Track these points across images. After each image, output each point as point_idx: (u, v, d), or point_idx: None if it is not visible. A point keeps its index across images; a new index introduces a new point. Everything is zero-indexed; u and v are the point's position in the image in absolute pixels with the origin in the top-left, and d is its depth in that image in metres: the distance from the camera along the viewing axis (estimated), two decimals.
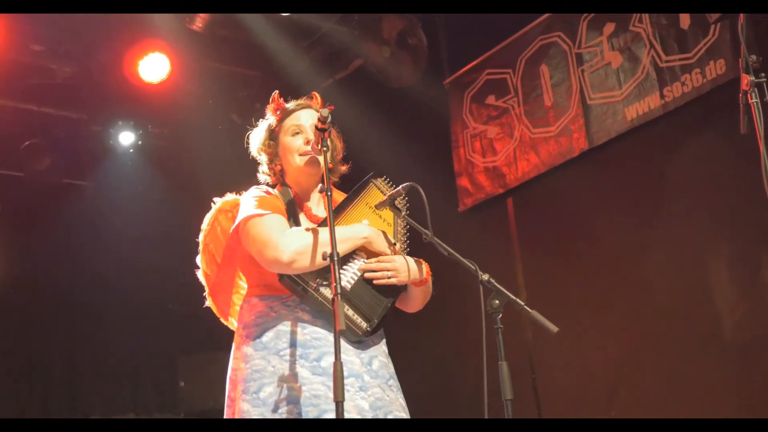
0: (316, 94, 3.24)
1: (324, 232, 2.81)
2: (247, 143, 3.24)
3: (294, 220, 3.00)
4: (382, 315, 2.99)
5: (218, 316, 3.30)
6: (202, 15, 5.92)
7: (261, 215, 2.91)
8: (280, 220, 2.93)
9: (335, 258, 2.62)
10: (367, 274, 2.97)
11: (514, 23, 5.91)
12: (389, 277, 2.98)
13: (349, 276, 2.98)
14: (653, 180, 5.10)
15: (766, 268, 4.47)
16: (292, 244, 2.82)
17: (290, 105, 3.20)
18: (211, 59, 6.88)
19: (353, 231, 2.98)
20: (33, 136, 7.06)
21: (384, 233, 3.04)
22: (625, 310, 5.18)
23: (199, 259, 3.23)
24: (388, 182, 3.14)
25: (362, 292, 2.98)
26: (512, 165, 5.87)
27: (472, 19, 6.30)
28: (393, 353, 3.09)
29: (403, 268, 3.00)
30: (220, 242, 3.21)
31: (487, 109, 6.11)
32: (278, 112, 3.18)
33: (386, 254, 3.02)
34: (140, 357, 7.56)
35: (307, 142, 3.06)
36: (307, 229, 2.91)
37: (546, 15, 5.70)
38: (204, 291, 3.24)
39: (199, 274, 3.23)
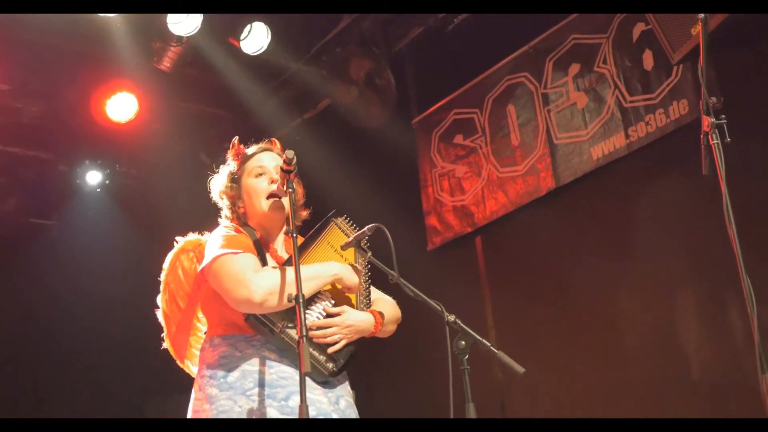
0: (276, 140, 3.26)
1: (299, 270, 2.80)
2: (209, 189, 3.24)
3: (262, 259, 2.99)
4: (347, 356, 2.99)
5: (175, 358, 3.25)
6: (170, 55, 5.92)
7: (233, 254, 2.90)
8: (252, 259, 2.92)
9: (300, 300, 2.62)
10: (315, 340, 2.94)
11: (481, 63, 5.97)
12: (338, 341, 2.97)
13: (314, 316, 2.97)
14: (619, 219, 5.14)
15: (732, 308, 4.49)
16: (264, 284, 2.81)
17: (250, 149, 3.21)
18: (180, 99, 6.88)
19: (324, 268, 2.97)
20: None
21: (353, 266, 3.04)
22: (593, 349, 5.19)
23: (159, 299, 3.19)
24: (349, 221, 3.14)
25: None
26: (480, 204, 5.90)
27: (439, 59, 6.36)
28: (359, 394, 3.07)
29: (351, 330, 2.98)
30: (181, 282, 3.17)
31: (455, 149, 6.14)
32: (238, 157, 3.18)
33: (355, 290, 3.02)
34: (107, 399, 7.44)
35: (272, 182, 3.06)
36: (278, 268, 2.90)
37: (512, 55, 5.76)
38: (162, 331, 3.21)
39: (159, 314, 3.20)
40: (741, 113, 4.03)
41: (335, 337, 2.95)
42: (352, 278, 3.01)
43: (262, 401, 2.81)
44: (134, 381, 7.38)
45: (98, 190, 7.37)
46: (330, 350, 2.95)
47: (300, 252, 2.98)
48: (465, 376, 2.67)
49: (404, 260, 2.90)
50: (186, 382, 3.56)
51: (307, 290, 2.84)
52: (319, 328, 2.95)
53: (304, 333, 2.56)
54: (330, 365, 2.94)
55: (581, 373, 5.22)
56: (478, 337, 2.73)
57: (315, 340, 2.93)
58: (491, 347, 2.73)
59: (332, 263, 3.01)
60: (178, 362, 3.26)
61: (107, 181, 7.36)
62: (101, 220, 7.41)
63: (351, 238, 3.02)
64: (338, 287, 3.02)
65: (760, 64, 4.52)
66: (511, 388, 5.51)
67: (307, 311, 2.95)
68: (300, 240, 3.11)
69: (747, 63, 4.55)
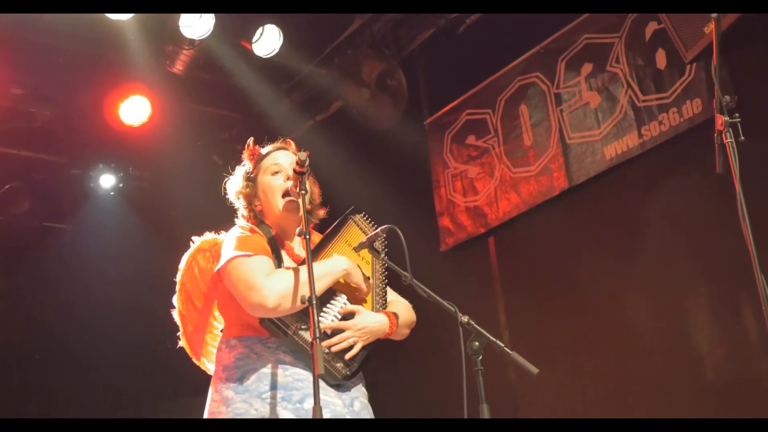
0: (290, 141, 3.26)
1: (306, 273, 2.80)
2: (226, 190, 3.25)
3: (277, 258, 3.00)
4: (361, 359, 2.99)
5: (191, 356, 3.27)
6: (182, 58, 5.94)
7: (246, 256, 2.90)
8: (266, 262, 2.92)
9: (314, 302, 2.62)
10: (333, 348, 2.94)
11: (493, 64, 5.96)
12: (353, 344, 2.96)
13: (329, 318, 2.97)
14: (633, 219, 5.12)
15: (745, 308, 4.47)
16: (276, 287, 2.81)
17: (265, 149, 3.22)
18: (192, 102, 6.90)
19: (332, 265, 2.98)
20: (12, 180, 7.04)
21: (359, 266, 3.05)
22: (607, 349, 5.17)
23: (175, 299, 3.21)
24: (367, 219, 3.14)
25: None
26: (493, 204, 5.89)
27: (450, 59, 6.36)
28: (373, 395, 3.07)
29: (365, 333, 2.98)
30: (197, 282, 3.19)
31: (468, 149, 6.14)
32: (254, 157, 3.19)
33: (364, 288, 3.02)
34: (119, 403, 7.45)
35: (288, 179, 3.07)
36: (289, 269, 2.90)
37: (524, 56, 5.75)
38: (179, 331, 3.22)
39: (175, 313, 3.21)
40: (755, 111, 4.01)
41: (350, 341, 2.95)
42: (359, 275, 3.02)
43: (277, 404, 2.82)
44: (147, 383, 7.39)
45: (112, 193, 7.40)
46: (347, 356, 2.95)
47: (318, 250, 3.01)
48: (479, 377, 2.66)
49: (417, 261, 2.90)
50: (198, 385, 3.57)
51: (319, 288, 2.84)
52: (333, 331, 2.95)
53: (318, 335, 2.56)
54: (343, 369, 2.95)
55: (595, 373, 5.21)
56: (492, 337, 2.73)
57: (332, 349, 2.93)
58: (505, 348, 2.72)
59: (341, 259, 3.01)
60: (194, 360, 3.27)
61: (120, 185, 7.39)
62: (115, 224, 7.43)
63: (364, 240, 3.02)
64: (352, 287, 3.02)
65: None
66: (525, 388, 5.50)
67: (322, 312, 2.95)
68: (318, 237, 3.12)
69: (761, 61, 4.52)
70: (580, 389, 5.26)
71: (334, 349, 2.93)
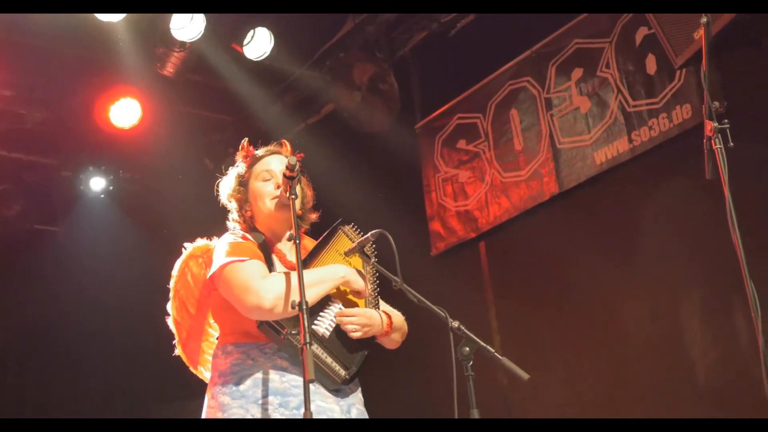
0: (286, 142, 3.25)
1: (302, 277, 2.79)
2: (218, 191, 3.23)
3: (268, 263, 2.98)
4: (360, 362, 2.98)
5: (187, 364, 3.25)
6: (173, 60, 5.92)
7: (240, 261, 2.89)
8: (260, 266, 2.91)
9: (303, 306, 2.61)
10: (346, 325, 2.94)
11: (484, 68, 5.97)
12: (362, 332, 2.97)
13: (327, 323, 2.96)
14: (623, 223, 5.13)
15: (737, 312, 4.48)
16: (272, 289, 2.80)
17: (260, 151, 3.20)
18: (183, 104, 6.88)
19: (331, 271, 2.96)
20: (3, 182, 7.02)
21: (359, 270, 3.04)
22: (598, 353, 5.18)
23: (169, 306, 3.19)
24: (356, 230, 3.13)
25: (341, 340, 2.97)
26: (484, 209, 5.90)
27: (442, 63, 6.37)
28: (365, 401, 3.06)
29: (372, 322, 2.99)
30: (190, 289, 3.17)
31: (458, 154, 6.14)
32: (247, 159, 3.18)
33: (363, 293, 3.02)
34: (112, 406, 7.43)
35: (278, 187, 3.06)
36: (285, 273, 2.89)
37: (515, 60, 5.76)
38: (174, 339, 3.21)
39: (170, 321, 3.19)
40: (746, 116, 4.03)
41: (356, 325, 2.94)
42: (359, 281, 3.00)
43: (274, 410, 2.81)
44: (139, 387, 7.37)
45: (102, 196, 7.38)
46: (353, 335, 2.94)
47: (309, 260, 2.99)
48: (469, 383, 2.66)
49: (408, 266, 2.89)
50: (191, 388, 3.55)
51: (316, 294, 2.84)
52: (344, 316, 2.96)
53: (308, 340, 2.55)
54: (343, 373, 2.94)
55: (586, 378, 5.21)
56: (483, 343, 2.73)
57: (343, 320, 2.93)
58: (495, 353, 2.72)
59: (338, 266, 3.00)
60: (191, 368, 3.25)
61: (111, 187, 7.37)
62: (105, 226, 7.41)
63: (354, 244, 3.01)
64: (346, 291, 3.02)
65: (765, 66, 4.51)
66: (517, 393, 5.50)
67: (320, 315, 2.95)
68: (310, 242, 3.12)
69: (752, 66, 4.54)
70: (572, 393, 5.27)
71: (345, 321, 2.93)
